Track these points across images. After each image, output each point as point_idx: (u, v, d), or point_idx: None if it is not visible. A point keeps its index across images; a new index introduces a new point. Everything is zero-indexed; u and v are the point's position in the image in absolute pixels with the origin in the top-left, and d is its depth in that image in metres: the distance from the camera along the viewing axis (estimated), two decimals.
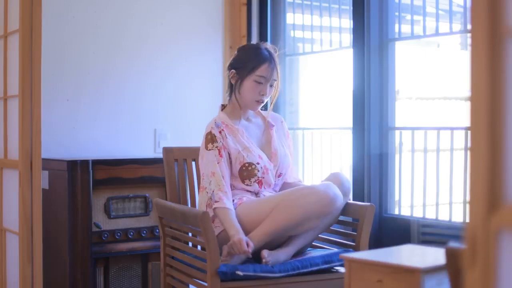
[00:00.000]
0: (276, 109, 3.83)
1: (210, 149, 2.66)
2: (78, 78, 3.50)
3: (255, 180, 2.69)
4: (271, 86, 2.73)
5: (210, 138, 2.67)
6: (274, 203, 2.55)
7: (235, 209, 2.63)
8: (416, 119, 3.23)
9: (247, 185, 2.69)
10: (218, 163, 2.63)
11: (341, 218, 2.84)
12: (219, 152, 2.65)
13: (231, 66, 2.77)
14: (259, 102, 2.73)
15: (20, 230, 2.64)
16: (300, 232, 2.55)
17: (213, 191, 2.59)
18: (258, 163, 2.68)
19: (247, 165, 2.67)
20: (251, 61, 2.71)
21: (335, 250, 2.70)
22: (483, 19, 0.99)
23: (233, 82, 2.76)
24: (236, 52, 2.82)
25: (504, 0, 0.98)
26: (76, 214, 3.06)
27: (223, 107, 2.84)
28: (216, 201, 2.57)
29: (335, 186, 2.55)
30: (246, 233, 2.61)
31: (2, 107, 2.86)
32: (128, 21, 3.65)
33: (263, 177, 2.70)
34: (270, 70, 2.70)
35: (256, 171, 2.68)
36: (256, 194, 2.71)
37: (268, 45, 2.82)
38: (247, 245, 2.45)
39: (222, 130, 2.69)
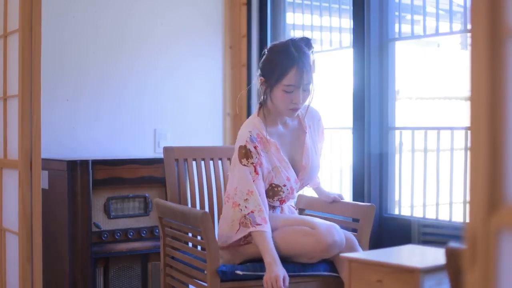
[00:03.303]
0: None
1: (245, 165, 2.52)
2: (78, 78, 3.50)
3: (278, 199, 2.64)
4: (304, 90, 2.54)
5: (245, 153, 2.53)
6: (282, 224, 2.55)
7: None
8: (416, 119, 3.23)
9: (269, 202, 2.63)
10: (254, 181, 2.52)
11: (342, 218, 2.85)
12: (255, 169, 2.53)
13: (260, 71, 2.61)
14: (293, 110, 2.57)
15: (19, 230, 2.64)
16: (292, 260, 2.54)
17: (252, 212, 2.49)
18: (284, 185, 2.61)
19: (273, 185, 2.60)
20: (277, 68, 2.53)
21: None
22: (483, 19, 0.99)
23: (263, 89, 2.60)
24: (265, 53, 2.63)
25: (504, 0, 0.98)
26: (76, 214, 3.06)
27: (260, 106, 2.64)
28: (258, 224, 2.47)
29: (339, 230, 2.48)
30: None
31: (1, 107, 2.86)
32: (128, 21, 3.65)
33: (287, 196, 2.66)
34: (299, 75, 2.50)
35: (281, 193, 2.62)
36: (274, 207, 2.70)
37: (298, 40, 2.60)
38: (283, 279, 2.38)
39: (256, 146, 2.55)
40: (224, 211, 2.61)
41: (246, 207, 2.49)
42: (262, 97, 2.62)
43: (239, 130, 2.64)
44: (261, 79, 2.60)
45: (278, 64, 2.53)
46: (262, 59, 2.62)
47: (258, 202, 2.49)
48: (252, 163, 2.52)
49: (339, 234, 2.48)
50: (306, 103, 2.61)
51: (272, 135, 2.62)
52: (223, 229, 2.59)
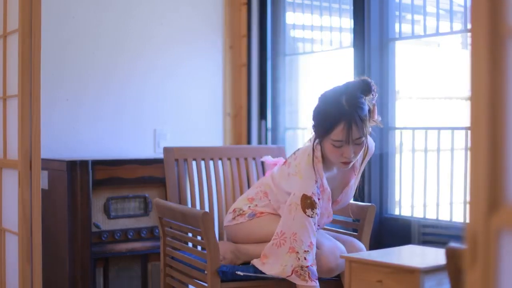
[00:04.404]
0: (276, 109, 3.83)
1: (309, 216, 2.42)
2: (78, 78, 3.50)
3: None
4: (356, 144, 2.40)
5: (310, 204, 2.42)
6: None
7: (253, 218, 2.63)
8: (417, 119, 3.22)
9: None
10: (315, 232, 2.45)
11: (342, 218, 2.84)
12: (316, 219, 2.46)
13: (312, 118, 2.49)
14: (345, 163, 2.44)
15: (19, 230, 2.64)
16: None
17: (312, 266, 2.40)
18: (318, 226, 2.58)
19: None
20: (325, 121, 2.40)
21: None
22: (483, 18, 0.99)
23: (314, 137, 2.48)
24: (317, 101, 2.49)
25: (504, 0, 0.98)
26: (76, 214, 3.06)
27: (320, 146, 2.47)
28: (317, 279, 2.41)
29: (343, 252, 2.46)
30: (245, 240, 2.62)
31: (1, 107, 2.86)
32: (129, 22, 3.65)
33: None
34: (347, 131, 2.35)
35: None
36: None
37: (355, 86, 2.40)
38: None
39: (320, 198, 2.47)
40: (275, 251, 2.47)
41: (305, 258, 2.40)
42: (313, 144, 2.49)
43: (302, 164, 2.49)
44: (312, 126, 2.48)
45: (326, 117, 2.40)
46: (314, 107, 2.49)
47: (314, 257, 2.43)
48: (316, 213, 2.44)
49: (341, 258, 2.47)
50: (361, 155, 2.49)
51: (327, 179, 2.53)
52: (272, 259, 2.46)
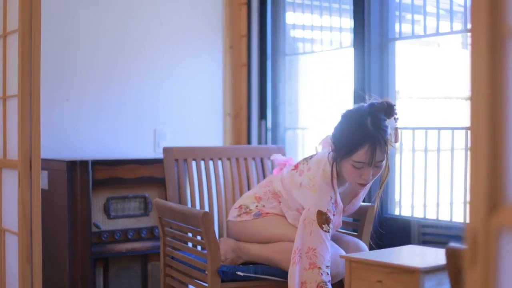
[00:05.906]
0: (275, 109, 3.83)
1: (326, 231, 2.40)
2: (78, 78, 3.50)
3: None
4: (376, 167, 2.38)
5: (325, 219, 2.41)
6: (287, 240, 2.53)
7: (258, 218, 2.63)
8: (417, 119, 3.22)
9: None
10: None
11: (342, 218, 2.84)
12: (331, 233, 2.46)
13: (332, 137, 2.45)
14: (361, 185, 2.43)
15: (19, 230, 2.64)
16: None
17: (329, 282, 2.38)
18: None
19: None
20: (348, 142, 2.36)
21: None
22: (483, 18, 0.98)
23: (332, 155, 2.43)
24: (340, 119, 2.46)
25: (504, 0, 0.98)
26: (76, 214, 3.06)
27: (335, 160, 2.44)
28: None
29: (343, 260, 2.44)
30: (248, 239, 2.61)
31: (1, 107, 2.86)
32: (129, 22, 3.65)
33: None
34: (371, 153, 2.33)
35: None
36: None
37: (379, 107, 2.38)
38: None
39: (334, 214, 2.46)
40: (293, 269, 2.40)
41: (328, 274, 2.37)
42: (332, 162, 2.44)
43: (317, 179, 2.47)
44: (332, 145, 2.44)
45: (350, 137, 2.37)
46: (336, 124, 2.46)
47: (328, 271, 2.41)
48: (331, 228, 2.43)
49: (344, 263, 2.45)
50: (380, 177, 2.48)
51: (339, 192, 2.52)
52: (290, 278, 2.40)
